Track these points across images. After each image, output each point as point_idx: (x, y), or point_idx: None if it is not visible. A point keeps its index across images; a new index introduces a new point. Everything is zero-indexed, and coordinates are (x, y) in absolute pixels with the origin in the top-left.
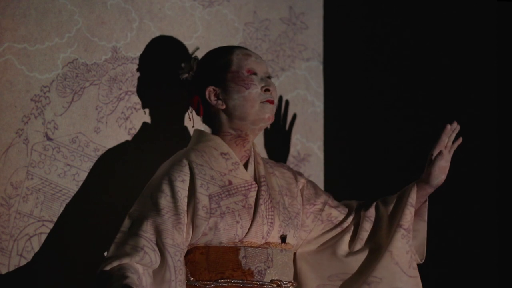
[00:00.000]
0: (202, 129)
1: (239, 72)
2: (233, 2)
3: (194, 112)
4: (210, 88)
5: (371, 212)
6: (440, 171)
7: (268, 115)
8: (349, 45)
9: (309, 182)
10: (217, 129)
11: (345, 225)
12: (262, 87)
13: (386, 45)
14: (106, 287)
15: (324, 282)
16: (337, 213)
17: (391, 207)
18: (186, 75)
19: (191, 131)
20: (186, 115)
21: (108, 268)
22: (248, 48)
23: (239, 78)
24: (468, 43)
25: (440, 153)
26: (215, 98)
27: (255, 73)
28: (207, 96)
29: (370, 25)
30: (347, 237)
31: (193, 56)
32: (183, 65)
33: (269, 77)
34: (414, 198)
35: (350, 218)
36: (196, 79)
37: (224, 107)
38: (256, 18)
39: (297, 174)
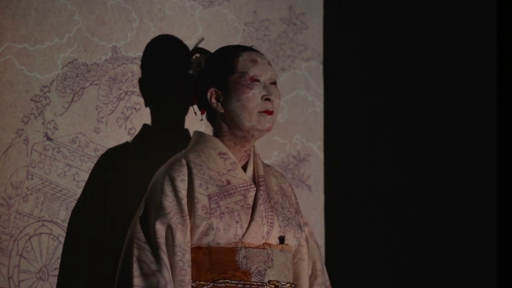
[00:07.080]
0: (203, 128)
1: (242, 78)
2: (233, 2)
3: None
4: (212, 90)
5: None
6: None
7: (264, 127)
8: (349, 45)
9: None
10: (217, 130)
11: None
12: (262, 96)
13: (386, 45)
14: None
15: None
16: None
17: None
18: (192, 71)
19: (192, 131)
20: (191, 110)
21: None
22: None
23: (240, 84)
24: (468, 42)
25: None
26: (216, 101)
27: (258, 80)
28: (208, 97)
29: (370, 25)
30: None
31: (195, 49)
32: (193, 57)
33: (274, 83)
34: None
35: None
36: (201, 77)
37: (223, 111)
38: (256, 18)
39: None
